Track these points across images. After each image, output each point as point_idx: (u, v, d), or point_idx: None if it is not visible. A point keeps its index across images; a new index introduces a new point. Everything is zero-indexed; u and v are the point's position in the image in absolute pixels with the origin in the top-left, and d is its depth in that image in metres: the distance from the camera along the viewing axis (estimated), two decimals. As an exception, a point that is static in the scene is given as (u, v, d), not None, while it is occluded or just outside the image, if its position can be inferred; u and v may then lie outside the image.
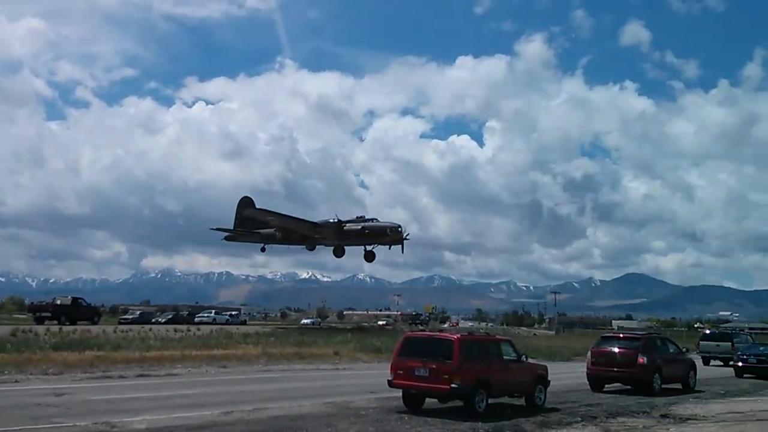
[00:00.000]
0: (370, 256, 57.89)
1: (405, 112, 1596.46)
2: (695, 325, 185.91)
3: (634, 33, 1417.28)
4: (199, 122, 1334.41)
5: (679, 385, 26.28)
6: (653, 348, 25.43)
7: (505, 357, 18.82)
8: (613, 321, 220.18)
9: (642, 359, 24.18)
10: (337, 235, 53.44)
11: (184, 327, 58.42)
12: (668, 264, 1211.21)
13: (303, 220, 53.97)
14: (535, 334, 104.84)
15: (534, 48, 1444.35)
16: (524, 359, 19.70)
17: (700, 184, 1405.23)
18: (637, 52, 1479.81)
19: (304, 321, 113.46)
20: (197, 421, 14.97)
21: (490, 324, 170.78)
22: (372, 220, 54.50)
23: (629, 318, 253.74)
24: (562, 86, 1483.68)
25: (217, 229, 58.06)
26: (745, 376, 33.42)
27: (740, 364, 34.23)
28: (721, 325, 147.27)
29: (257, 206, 56.34)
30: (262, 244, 59.30)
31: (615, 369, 24.64)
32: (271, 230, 55.72)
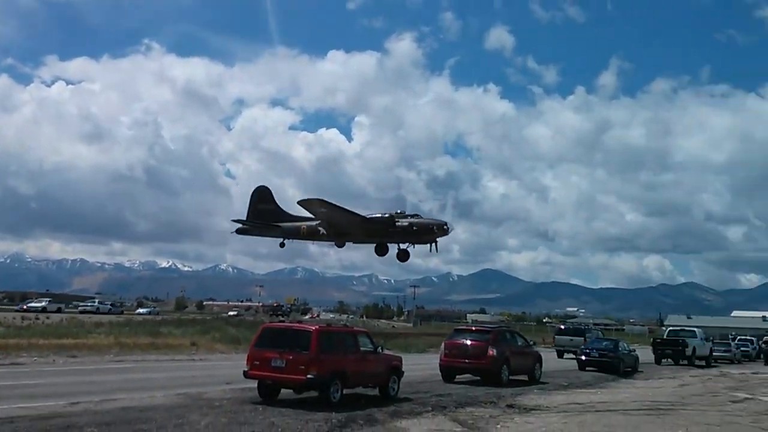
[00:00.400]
0: (404, 256, 52.49)
1: (275, 102, 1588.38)
2: (544, 320, 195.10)
3: (499, 38, 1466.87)
4: (58, 102, 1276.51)
5: (525, 377, 27.43)
6: (503, 341, 26.43)
7: (361, 348, 19.09)
8: (468, 314, 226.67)
9: (492, 351, 25.07)
10: (387, 232, 49.11)
11: (32, 315, 55.74)
12: (521, 261, 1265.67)
13: (356, 213, 49.14)
14: (393, 327, 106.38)
15: (404, 46, 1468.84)
16: (380, 350, 20.05)
17: (554, 186, 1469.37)
18: (501, 57, 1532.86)
19: (140, 311, 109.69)
20: (41, 412, 14.38)
21: (350, 316, 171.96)
22: (414, 215, 49.97)
23: (483, 312, 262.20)
24: (430, 85, 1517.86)
25: (236, 221, 53.54)
26: (587, 369, 35.20)
27: (583, 357, 36.07)
28: (568, 320, 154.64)
29: (273, 196, 52.20)
30: (282, 239, 53.95)
31: (466, 360, 25.43)
32: (297, 224, 51.40)
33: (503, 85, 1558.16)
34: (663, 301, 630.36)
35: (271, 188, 52.82)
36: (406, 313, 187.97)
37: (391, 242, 49.52)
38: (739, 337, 69.32)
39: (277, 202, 51.97)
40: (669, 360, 46.16)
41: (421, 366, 29.98)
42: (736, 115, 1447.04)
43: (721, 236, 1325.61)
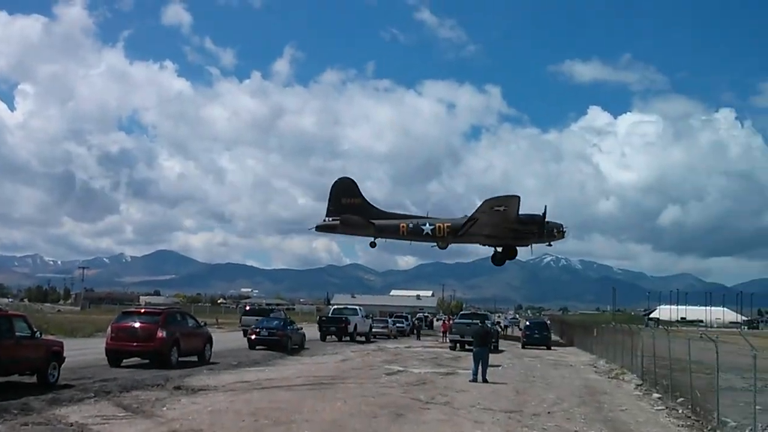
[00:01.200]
0: (503, 258, 44.89)
1: None
2: (219, 301, 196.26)
3: (176, 14, 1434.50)
4: None
5: (195, 358, 27.44)
6: (173, 322, 26.11)
7: (17, 333, 17.85)
8: (141, 297, 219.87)
9: (161, 333, 24.71)
10: (529, 233, 40.76)
11: None
12: (197, 242, 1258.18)
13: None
14: (59, 311, 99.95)
15: (74, 13, 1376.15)
16: (39, 335, 18.90)
17: (231, 168, 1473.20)
18: (179, 34, 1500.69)
19: None
20: None
21: (10, 300, 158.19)
22: (534, 215, 41.76)
23: (158, 294, 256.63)
24: (102, 57, 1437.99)
25: (330, 217, 41.43)
26: (257, 347, 36.07)
27: (253, 336, 36.88)
28: (242, 301, 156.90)
29: (359, 189, 41.03)
30: (373, 238, 42.74)
31: (135, 343, 24.79)
32: (394, 221, 40.94)
33: (180, 63, 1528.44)
34: (330, 281, 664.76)
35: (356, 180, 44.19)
36: (73, 296, 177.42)
37: (519, 244, 44.23)
38: (395, 314, 75.31)
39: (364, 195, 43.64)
40: (333, 337, 48.70)
41: (87, 351, 28.69)
42: (396, 109, 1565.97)
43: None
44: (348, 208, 43.38)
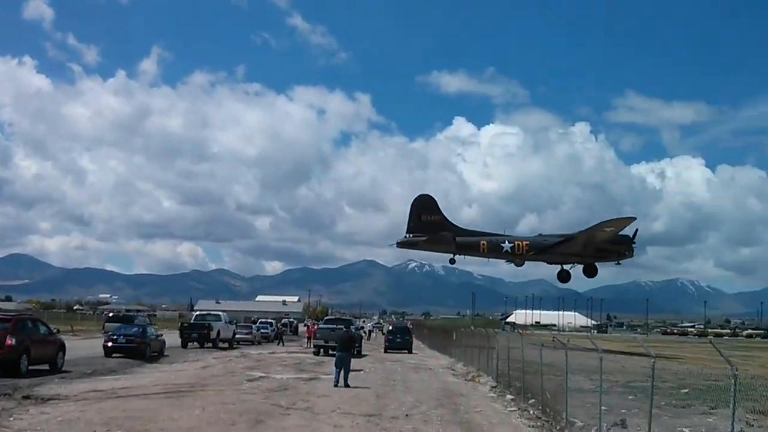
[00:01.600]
0: (567, 277, 43.34)
1: None
2: (75, 308, 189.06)
3: (37, 9, 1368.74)
4: None
5: (47, 366, 26.40)
6: (23, 329, 25.17)
7: None
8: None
9: (10, 341, 23.75)
10: (615, 252, 39.03)
11: None
12: (53, 246, 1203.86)
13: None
14: None
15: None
16: None
17: (92, 169, 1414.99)
18: (40, 29, 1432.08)
19: None
20: None
21: None
22: (625, 236, 40.76)
23: (9, 300, 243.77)
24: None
25: (410, 234, 37.87)
26: (114, 355, 34.83)
27: (110, 344, 35.63)
28: (100, 307, 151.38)
29: (438, 206, 38.68)
30: (453, 255, 39.66)
31: (-19, 351, 23.71)
32: (474, 239, 37.90)
33: (41, 60, 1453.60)
34: (195, 286, 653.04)
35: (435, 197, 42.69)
36: None
37: (598, 262, 43.36)
38: (260, 320, 74.77)
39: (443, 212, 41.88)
40: (195, 343, 47.81)
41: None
42: (267, 113, 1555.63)
43: (250, 225, 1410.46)
44: (428, 225, 44.53)
